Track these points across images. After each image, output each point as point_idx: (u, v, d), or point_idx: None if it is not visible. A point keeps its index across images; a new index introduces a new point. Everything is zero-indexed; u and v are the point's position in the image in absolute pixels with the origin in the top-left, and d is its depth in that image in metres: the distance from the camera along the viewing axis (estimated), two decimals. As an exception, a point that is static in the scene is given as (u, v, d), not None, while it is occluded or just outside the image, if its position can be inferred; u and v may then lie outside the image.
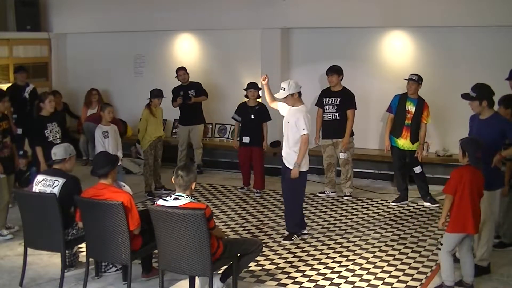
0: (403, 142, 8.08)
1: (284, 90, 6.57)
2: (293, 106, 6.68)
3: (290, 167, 6.65)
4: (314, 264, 6.09)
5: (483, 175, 5.37)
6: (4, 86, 9.11)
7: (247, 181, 9.00)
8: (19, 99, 9.40)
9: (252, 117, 8.64)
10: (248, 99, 8.77)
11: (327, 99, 8.51)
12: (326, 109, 8.51)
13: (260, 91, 8.69)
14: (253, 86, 8.68)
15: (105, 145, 7.76)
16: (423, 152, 8.18)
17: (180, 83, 9.83)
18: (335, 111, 8.45)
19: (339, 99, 8.44)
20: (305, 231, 6.98)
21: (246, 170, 8.94)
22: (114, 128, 8.04)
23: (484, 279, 5.67)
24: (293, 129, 6.63)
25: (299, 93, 6.68)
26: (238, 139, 8.94)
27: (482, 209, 5.61)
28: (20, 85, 9.64)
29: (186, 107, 9.81)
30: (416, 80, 7.95)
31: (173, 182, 4.92)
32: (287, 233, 6.92)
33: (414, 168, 8.14)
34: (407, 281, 5.68)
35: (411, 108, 8.00)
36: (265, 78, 6.88)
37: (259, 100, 8.83)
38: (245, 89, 8.76)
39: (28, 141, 8.02)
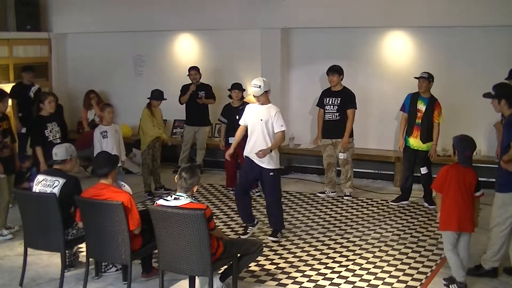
0: (414, 141, 8.05)
1: (259, 87, 6.57)
2: (262, 104, 6.70)
3: (266, 166, 6.66)
4: (314, 264, 6.09)
5: (474, 173, 5.34)
6: (4, 86, 9.11)
7: (230, 182, 8.86)
8: (24, 98, 9.43)
9: (237, 117, 8.52)
10: (232, 100, 8.72)
11: (328, 99, 8.50)
12: (327, 109, 8.51)
13: (244, 92, 8.67)
14: (236, 86, 8.60)
15: (103, 145, 7.65)
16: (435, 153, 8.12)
17: (191, 82, 9.73)
18: (335, 111, 8.45)
19: (339, 99, 8.43)
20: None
21: (230, 171, 8.84)
22: (116, 128, 7.96)
23: (485, 279, 5.67)
24: (268, 126, 6.63)
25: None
26: (225, 140, 8.79)
27: (492, 210, 5.61)
28: (26, 84, 9.69)
29: (193, 108, 9.76)
30: (426, 78, 7.93)
31: (176, 182, 4.93)
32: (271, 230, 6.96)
33: (421, 168, 8.12)
34: (407, 281, 5.68)
35: (421, 106, 7.97)
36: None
37: (244, 100, 8.76)
38: (229, 90, 8.71)
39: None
